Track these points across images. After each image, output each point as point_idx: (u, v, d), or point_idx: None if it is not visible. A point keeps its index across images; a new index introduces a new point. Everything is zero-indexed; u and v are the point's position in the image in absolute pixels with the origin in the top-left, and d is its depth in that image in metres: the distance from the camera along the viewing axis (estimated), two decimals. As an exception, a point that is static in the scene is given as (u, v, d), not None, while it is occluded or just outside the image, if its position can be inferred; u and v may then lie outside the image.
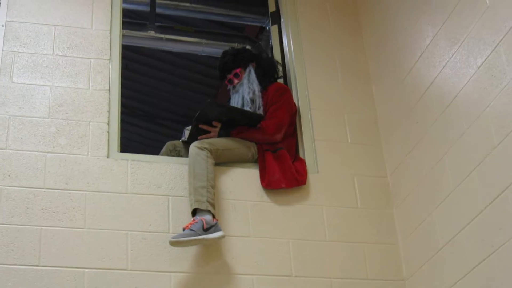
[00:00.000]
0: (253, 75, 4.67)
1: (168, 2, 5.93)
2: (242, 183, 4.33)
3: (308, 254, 4.21)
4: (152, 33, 5.84)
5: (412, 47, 4.45)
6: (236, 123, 4.45)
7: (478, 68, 3.77)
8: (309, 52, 4.88)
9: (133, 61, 7.22)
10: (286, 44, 4.94)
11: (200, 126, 4.42)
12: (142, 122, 7.86)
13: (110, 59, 4.49)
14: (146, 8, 5.91)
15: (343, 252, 4.27)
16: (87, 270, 3.88)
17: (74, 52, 4.44)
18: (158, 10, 5.91)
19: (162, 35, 5.87)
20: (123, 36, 5.56)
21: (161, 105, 7.76)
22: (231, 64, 4.72)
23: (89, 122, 4.27)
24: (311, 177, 4.45)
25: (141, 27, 5.90)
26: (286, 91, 4.61)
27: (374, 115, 4.78)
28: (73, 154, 4.16)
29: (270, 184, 4.30)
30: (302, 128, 4.63)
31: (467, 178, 3.83)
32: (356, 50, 4.99)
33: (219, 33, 6.13)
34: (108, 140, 4.25)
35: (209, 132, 4.43)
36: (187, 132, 4.55)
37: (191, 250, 4.04)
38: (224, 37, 6.08)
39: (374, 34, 4.95)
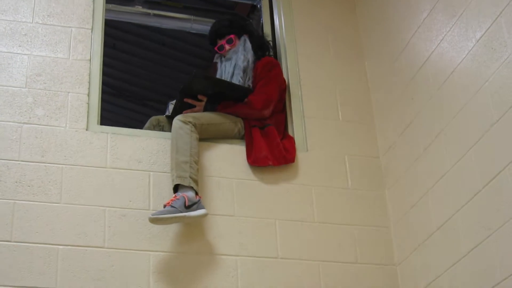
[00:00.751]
0: (248, 45, 4.47)
1: (156, -23, 5.73)
2: (227, 159, 4.14)
3: (296, 236, 4.03)
4: (139, 8, 5.63)
5: (408, 21, 4.26)
6: (223, 97, 4.25)
7: (477, 41, 3.58)
8: (301, 26, 4.69)
9: (119, 40, 7.01)
10: (277, 18, 4.74)
11: (185, 99, 4.22)
12: (126, 103, 7.64)
13: (92, 29, 4.29)
14: (134, -15, 5.71)
15: (332, 235, 4.08)
16: (61, 247, 3.68)
17: (54, 20, 4.24)
18: (144, -15, 5.71)
19: (149, 10, 5.66)
20: (109, 10, 5.39)
21: (146, 86, 7.55)
22: (225, 29, 4.51)
23: (68, 92, 4.07)
24: (300, 155, 4.26)
25: (128, 1, 5.70)
26: (275, 66, 4.42)
27: (367, 92, 4.59)
28: (50, 125, 3.96)
29: (256, 160, 4.10)
30: (292, 105, 4.43)
31: (464, 157, 3.64)
32: (349, 24, 4.81)
33: (209, 9, 5.92)
34: (88, 112, 4.06)
35: (194, 106, 4.23)
36: (171, 106, 4.36)
37: (172, 229, 3.85)
38: (214, 14, 5.86)
39: (368, 8, 4.75)
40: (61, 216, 3.74)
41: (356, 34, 4.77)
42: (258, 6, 5.79)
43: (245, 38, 4.51)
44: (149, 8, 5.66)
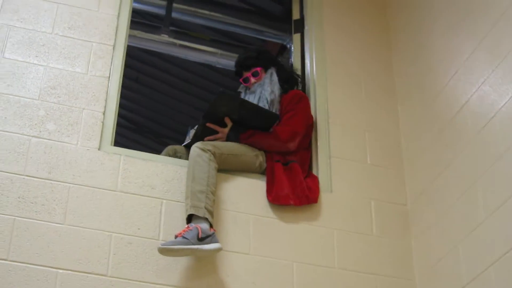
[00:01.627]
0: (275, 77, 4.25)
1: (185, 7, 5.55)
2: (246, 194, 3.87)
3: (314, 280, 3.73)
4: (165, 37, 5.43)
5: (446, 64, 4.01)
6: (248, 124, 3.99)
7: (523, 82, 3.32)
8: (333, 63, 4.46)
9: (142, 73, 6.81)
10: (308, 54, 4.51)
11: (208, 124, 3.97)
12: (142, 138, 7.40)
13: (114, 46, 4.07)
14: (162, 11, 5.52)
15: (352, 283, 3.78)
16: (61, 271, 3.40)
17: (75, 34, 4.03)
18: (174, 15, 5.52)
19: (175, 40, 5.46)
20: (134, 37, 5.20)
21: (165, 122, 7.31)
22: (252, 61, 4.31)
23: (83, 109, 3.83)
24: (324, 196, 3.98)
25: (155, 29, 5.52)
26: (303, 99, 4.18)
27: (398, 137, 4.33)
28: (60, 141, 3.71)
29: (277, 198, 3.83)
30: (318, 143, 4.17)
31: (502, 207, 3.34)
32: (384, 65, 4.57)
33: (237, 45, 5.72)
34: (102, 131, 3.81)
35: (217, 132, 3.97)
36: (192, 132, 4.10)
37: (182, 262, 3.57)
38: (241, 50, 5.63)
39: (404, 50, 4.52)
40: (63, 238, 3.47)
41: (390, 76, 4.53)
42: (288, 46, 5.61)
43: (272, 71, 4.29)
44: (175, 38, 5.45)
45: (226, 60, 5.61)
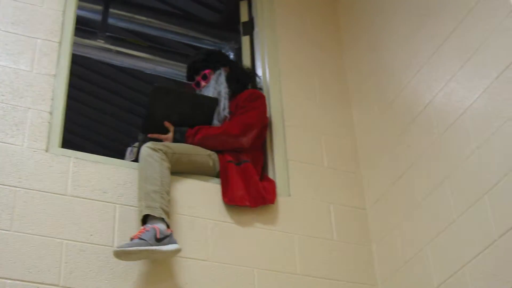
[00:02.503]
0: (222, 78, 4.09)
1: (122, 13, 5.33)
2: (201, 197, 3.68)
3: (276, 287, 3.54)
4: (101, 43, 5.19)
5: (406, 64, 3.92)
6: (190, 121, 3.85)
7: (497, 78, 3.24)
8: (286, 64, 4.32)
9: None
10: (260, 54, 4.36)
11: (150, 135, 3.79)
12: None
13: (60, 42, 3.83)
14: (98, 17, 5.28)
15: (315, 289, 3.61)
16: (9, 281, 3.13)
17: (19, 29, 3.77)
18: (110, 21, 5.29)
19: (112, 47, 5.23)
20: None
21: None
22: (200, 64, 4.16)
23: (28, 108, 3.58)
24: (282, 200, 3.83)
25: (90, 35, 5.27)
26: (260, 97, 4.03)
27: (354, 141, 4.21)
28: (4, 142, 3.45)
29: (232, 199, 3.65)
30: (274, 146, 4.02)
31: (475, 206, 3.26)
32: (337, 68, 4.46)
33: (175, 52, 5.53)
34: (49, 132, 3.56)
35: (161, 140, 3.78)
36: (130, 150, 3.87)
37: (137, 268, 3.35)
38: (179, 56, 5.47)
39: (357, 51, 4.42)
40: (10, 246, 3.20)
41: (343, 78, 4.42)
42: (226, 54, 5.45)
43: (220, 71, 4.13)
44: (111, 44, 5.22)
45: (163, 68, 5.40)
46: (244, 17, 4.60)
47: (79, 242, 3.32)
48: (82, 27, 5.17)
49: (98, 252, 3.33)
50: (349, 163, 4.11)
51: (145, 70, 5.48)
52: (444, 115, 3.56)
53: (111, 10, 5.23)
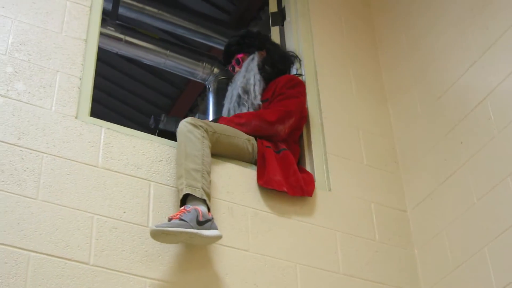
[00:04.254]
0: (254, 64, 3.80)
1: (133, 2, 5.01)
2: (241, 184, 3.35)
3: (318, 285, 3.22)
4: (111, 30, 4.84)
5: (453, 61, 3.69)
6: None
7: None
8: (320, 56, 4.04)
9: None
10: (292, 45, 4.06)
11: None
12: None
13: (91, 7, 3.49)
14: (108, 6, 4.94)
15: (358, 291, 3.29)
16: (33, 254, 2.75)
17: (46, -13, 3.42)
18: (120, 10, 4.96)
19: (122, 36, 4.89)
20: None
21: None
22: (234, 47, 3.87)
23: (57, 71, 3.22)
24: (322, 194, 3.52)
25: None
26: (299, 84, 3.75)
27: (391, 139, 3.94)
28: (32, 104, 3.08)
29: (269, 182, 3.32)
30: (312, 139, 3.71)
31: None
32: (371, 67, 4.20)
33: (187, 47, 5.21)
34: (79, 98, 3.20)
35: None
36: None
37: (173, 251, 3.00)
38: (191, 53, 5.16)
39: (392, 51, 4.17)
40: (36, 216, 2.83)
41: (379, 76, 4.17)
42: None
43: (254, 56, 3.84)
44: (121, 33, 4.88)
45: (173, 63, 5.07)
46: (273, 8, 4.32)
47: (111, 218, 2.96)
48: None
49: (132, 232, 2.97)
50: (388, 162, 3.84)
51: (154, 64, 5.12)
52: (503, 111, 3.31)
53: (122, -1, 4.91)
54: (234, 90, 3.79)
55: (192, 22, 5.16)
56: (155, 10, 5.06)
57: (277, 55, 3.87)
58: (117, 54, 5.18)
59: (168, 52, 5.03)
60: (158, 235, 2.84)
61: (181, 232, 2.85)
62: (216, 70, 5.16)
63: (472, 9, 3.58)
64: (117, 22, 4.87)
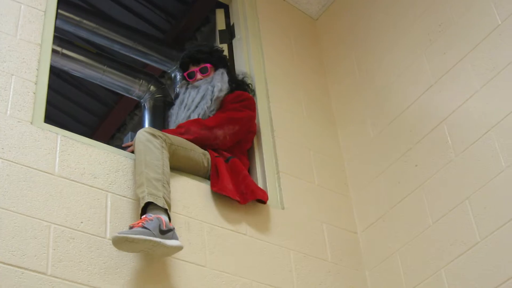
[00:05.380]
0: (226, 77, 3.75)
1: (70, 15, 4.87)
2: (197, 198, 3.28)
3: (274, 304, 3.17)
4: (47, 43, 4.68)
5: (408, 85, 3.74)
6: None
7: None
8: (271, 74, 4.02)
9: None
10: (243, 62, 4.03)
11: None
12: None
13: (45, 11, 3.37)
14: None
15: (312, 312, 3.26)
16: (-11, 262, 2.59)
17: (0, -10, 3.28)
18: (57, 23, 4.81)
19: (59, 48, 4.74)
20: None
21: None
22: (204, 55, 3.79)
23: (12, 75, 3.08)
24: (275, 212, 3.48)
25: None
26: (247, 99, 3.71)
27: (341, 161, 3.95)
28: (-14, 108, 2.93)
29: (223, 189, 3.28)
30: (264, 156, 3.68)
31: (503, 227, 3.04)
32: (320, 88, 4.22)
33: (124, 63, 5.10)
34: (34, 103, 3.07)
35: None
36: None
37: (131, 264, 2.90)
38: (128, 69, 5.05)
39: (339, 73, 4.22)
40: (-9, 223, 2.67)
41: (327, 97, 4.18)
42: (172, 74, 5.15)
43: (223, 71, 3.79)
44: (58, 45, 4.74)
45: (110, 79, 4.96)
46: (221, 25, 4.29)
47: (69, 228, 2.84)
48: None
49: (89, 242, 2.85)
50: (338, 184, 3.84)
51: (89, 79, 4.99)
52: (461, 134, 3.35)
53: (59, 11, 4.76)
54: (197, 96, 3.69)
55: (129, 38, 5.05)
56: (92, 24, 4.94)
57: (235, 77, 3.84)
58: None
59: (105, 67, 4.92)
60: (121, 242, 2.74)
61: (144, 240, 2.76)
62: (152, 87, 5.08)
63: (428, 33, 3.64)
64: (55, 34, 4.72)
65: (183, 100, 3.73)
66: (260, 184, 3.58)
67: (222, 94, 3.66)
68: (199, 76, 3.79)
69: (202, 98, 3.65)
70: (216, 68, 3.80)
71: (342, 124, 4.05)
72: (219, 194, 3.30)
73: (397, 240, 3.48)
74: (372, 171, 3.75)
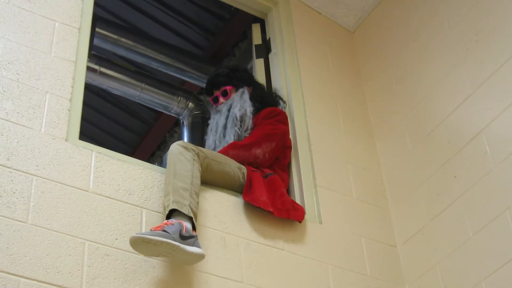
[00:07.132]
0: (246, 96, 3.72)
1: (107, 33, 4.91)
2: (233, 213, 3.25)
3: (314, 319, 3.12)
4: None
5: (445, 96, 3.67)
6: None
7: None
8: (308, 88, 3.99)
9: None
10: (279, 77, 4.01)
11: None
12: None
13: (79, 29, 3.38)
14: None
15: (351, 326, 3.20)
16: (23, 279, 2.60)
17: (35, 8, 3.30)
18: (95, 41, 4.86)
19: (97, 66, 4.78)
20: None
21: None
22: (222, 78, 3.77)
23: (46, 92, 3.09)
24: (313, 227, 3.44)
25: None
26: (280, 114, 3.68)
27: (380, 174, 3.89)
28: (21, 125, 2.94)
29: (256, 200, 3.24)
30: (301, 171, 3.64)
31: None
32: (358, 101, 4.17)
33: (162, 80, 5.12)
34: (69, 120, 3.07)
35: None
36: None
37: (167, 283, 2.86)
38: (166, 86, 5.07)
39: (377, 86, 4.17)
40: (26, 240, 2.68)
41: (365, 110, 4.13)
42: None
43: (244, 90, 3.77)
44: (96, 64, 4.78)
45: (147, 95, 4.98)
46: (257, 40, 4.27)
47: (103, 245, 2.83)
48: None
49: (124, 259, 2.84)
50: (377, 197, 3.79)
51: (128, 96, 5.01)
52: (500, 145, 3.28)
53: (97, 29, 4.80)
54: (221, 118, 3.70)
55: (166, 56, 5.08)
56: (130, 42, 4.98)
57: (263, 91, 3.82)
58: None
59: (143, 85, 4.95)
60: (138, 243, 2.72)
61: (162, 242, 2.72)
62: (191, 104, 5.09)
63: (465, 43, 3.57)
64: (92, 52, 4.76)
65: (211, 126, 3.72)
66: (297, 199, 3.54)
67: (244, 112, 3.62)
68: (221, 100, 3.79)
69: (227, 121, 3.63)
70: (237, 88, 3.77)
71: (380, 136, 3.99)
72: (255, 209, 3.26)
73: (437, 253, 3.41)
74: (410, 183, 3.69)
